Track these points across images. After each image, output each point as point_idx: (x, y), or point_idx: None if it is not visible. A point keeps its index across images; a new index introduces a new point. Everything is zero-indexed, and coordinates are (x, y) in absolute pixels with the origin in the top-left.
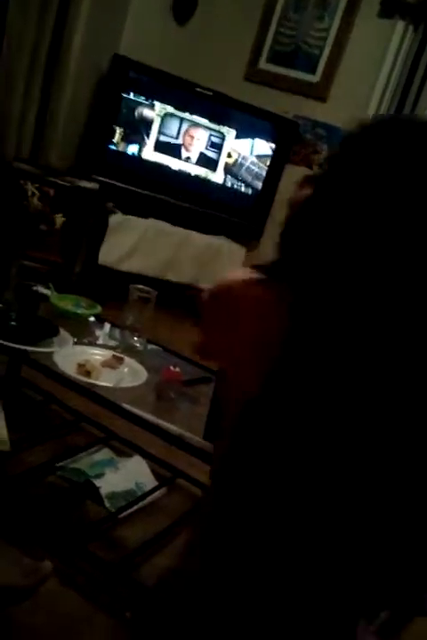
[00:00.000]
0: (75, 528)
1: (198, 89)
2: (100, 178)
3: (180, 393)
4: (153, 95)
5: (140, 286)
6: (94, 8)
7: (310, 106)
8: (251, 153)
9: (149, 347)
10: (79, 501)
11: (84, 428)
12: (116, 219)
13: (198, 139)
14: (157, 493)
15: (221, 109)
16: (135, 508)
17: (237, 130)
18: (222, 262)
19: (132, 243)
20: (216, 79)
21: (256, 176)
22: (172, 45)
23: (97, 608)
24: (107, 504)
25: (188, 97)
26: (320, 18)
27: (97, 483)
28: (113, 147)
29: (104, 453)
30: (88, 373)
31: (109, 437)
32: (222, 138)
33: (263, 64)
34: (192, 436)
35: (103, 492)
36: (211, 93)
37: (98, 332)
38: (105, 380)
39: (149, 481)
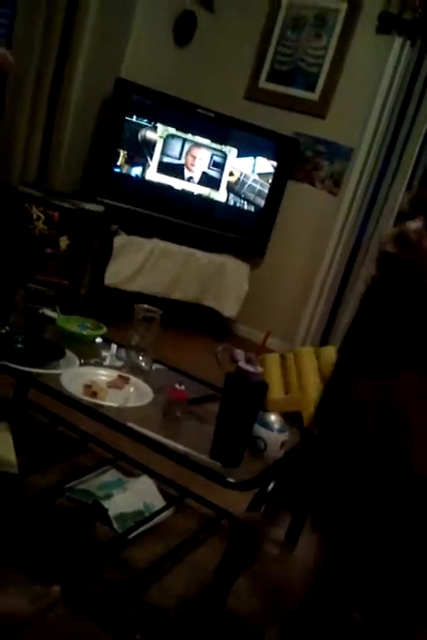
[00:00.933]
0: (84, 550)
1: (200, 110)
2: (105, 200)
3: (186, 411)
4: (155, 117)
5: (145, 306)
6: (97, 33)
7: (310, 123)
8: (253, 171)
9: (155, 366)
10: (88, 523)
11: (91, 449)
12: (120, 240)
13: (200, 159)
14: (165, 513)
15: (222, 129)
16: (144, 528)
17: (238, 148)
18: (227, 279)
19: (138, 263)
20: (217, 99)
21: (259, 194)
22: (173, 67)
23: (106, 631)
24: (115, 525)
25: (189, 118)
26: (318, 36)
27: (105, 504)
28: (117, 169)
29: (112, 474)
30: (94, 394)
31: (117, 458)
32: (224, 157)
33: (263, 83)
34: (199, 455)
35: (112, 513)
36: (212, 114)
37: (104, 353)
38: (111, 401)
39: (157, 501)
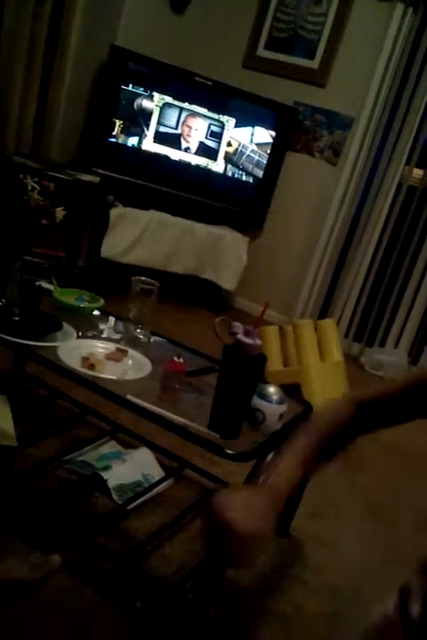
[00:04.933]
0: (83, 521)
1: (197, 78)
2: (101, 171)
3: (184, 383)
4: (152, 86)
5: (143, 278)
6: (90, 0)
7: (310, 92)
8: (251, 141)
9: (153, 338)
10: (87, 494)
11: (90, 421)
12: (117, 211)
13: (197, 128)
14: (164, 484)
15: (219, 98)
16: (143, 499)
17: (236, 118)
18: (225, 251)
19: (135, 235)
20: (214, 68)
21: (257, 164)
22: (169, 35)
23: (106, 600)
24: (115, 496)
25: (186, 86)
26: (317, 3)
27: (104, 475)
28: (113, 139)
29: (111, 446)
30: (92, 366)
31: (116, 430)
32: (222, 127)
33: (261, 51)
34: (197, 426)
35: (111, 484)
36: (210, 82)
37: (101, 326)
38: (109, 373)
39: (156, 472)
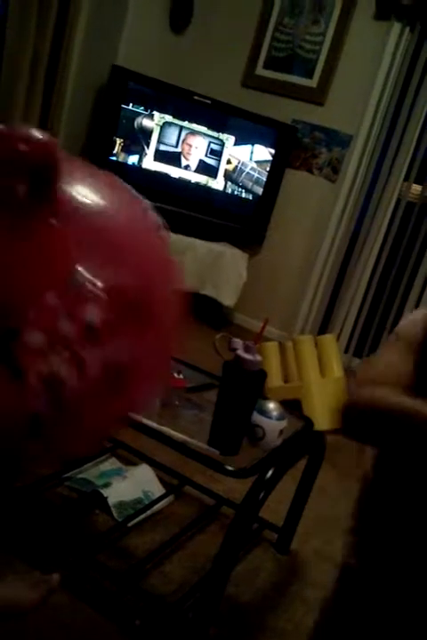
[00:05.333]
0: (83, 539)
1: (196, 97)
2: None
3: (184, 400)
4: (152, 105)
5: None
6: (92, 20)
7: (308, 110)
8: (250, 159)
9: None
10: (87, 512)
11: None
12: None
13: (197, 147)
14: (164, 501)
15: (219, 116)
16: (143, 516)
17: (236, 136)
18: (225, 268)
19: None
20: (214, 86)
21: (256, 182)
22: (169, 55)
23: (106, 618)
24: (115, 514)
25: (186, 105)
26: (316, 22)
27: (104, 492)
28: (113, 157)
29: (111, 463)
30: None
31: (116, 447)
32: (222, 145)
33: (260, 70)
34: (197, 443)
35: (111, 501)
36: (209, 101)
37: None
38: None
39: (156, 489)
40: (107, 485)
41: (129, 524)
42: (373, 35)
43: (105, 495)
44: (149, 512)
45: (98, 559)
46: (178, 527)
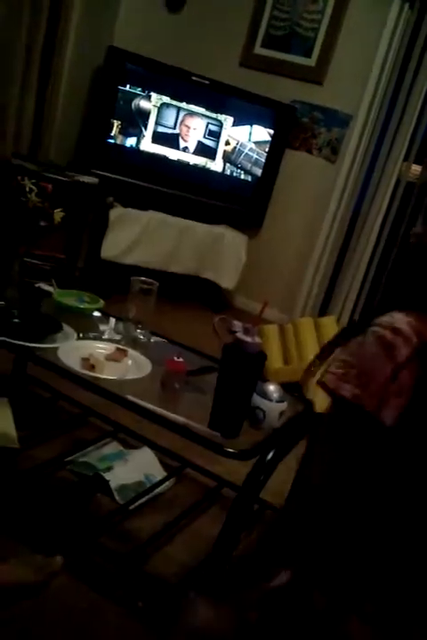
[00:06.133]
0: (85, 522)
1: (194, 77)
2: (99, 172)
3: (184, 383)
4: (149, 86)
5: (142, 278)
6: (86, 2)
7: (307, 90)
8: (249, 139)
9: (153, 338)
10: (89, 495)
11: (91, 422)
12: (116, 212)
13: (196, 128)
14: (166, 484)
15: (217, 97)
16: (145, 499)
17: (234, 117)
18: (224, 250)
19: (134, 236)
20: (212, 66)
21: (255, 163)
22: (165, 34)
23: (109, 600)
24: (117, 497)
25: (184, 86)
26: (314, 0)
27: (106, 476)
28: (111, 140)
29: (112, 446)
30: (92, 367)
31: (117, 430)
32: (220, 126)
33: (258, 49)
34: (198, 426)
35: (113, 484)
36: (207, 81)
37: (102, 327)
38: (109, 374)
39: (157, 472)
40: (109, 469)
41: (131, 507)
42: (372, 12)
43: (107, 479)
44: (150, 495)
45: (100, 542)
46: (180, 509)
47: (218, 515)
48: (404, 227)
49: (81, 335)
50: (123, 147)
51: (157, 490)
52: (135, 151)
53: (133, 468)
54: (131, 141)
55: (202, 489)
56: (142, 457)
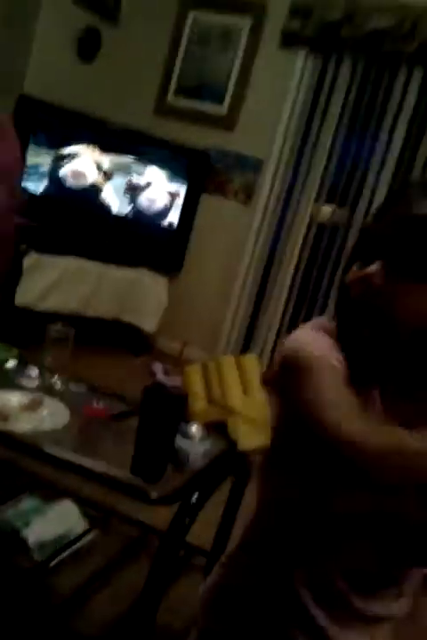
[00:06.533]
0: (3, 583)
1: (109, 125)
2: None
3: (104, 429)
4: (63, 134)
5: (58, 324)
6: None
7: (220, 136)
8: (165, 185)
9: (70, 385)
10: (7, 555)
11: (7, 475)
12: (30, 259)
13: (112, 174)
14: (89, 536)
15: (132, 144)
16: (67, 553)
17: (150, 163)
18: (144, 293)
19: (50, 281)
20: (127, 115)
21: (173, 207)
22: (79, 84)
23: None
24: (35, 554)
25: (99, 134)
26: (224, 51)
27: (24, 532)
28: (24, 185)
29: (31, 500)
30: (5, 419)
31: (35, 483)
32: (137, 172)
33: (172, 98)
34: (118, 472)
35: (31, 541)
36: (121, 129)
37: (16, 376)
38: (24, 425)
39: (79, 525)
40: (27, 525)
41: (51, 564)
42: (279, 63)
43: (24, 535)
44: (73, 548)
45: (20, 602)
46: (104, 561)
47: (145, 564)
48: (317, 266)
49: None
50: (36, 193)
51: (80, 543)
52: (49, 197)
53: (54, 522)
54: (44, 188)
55: (127, 538)
56: (63, 509)
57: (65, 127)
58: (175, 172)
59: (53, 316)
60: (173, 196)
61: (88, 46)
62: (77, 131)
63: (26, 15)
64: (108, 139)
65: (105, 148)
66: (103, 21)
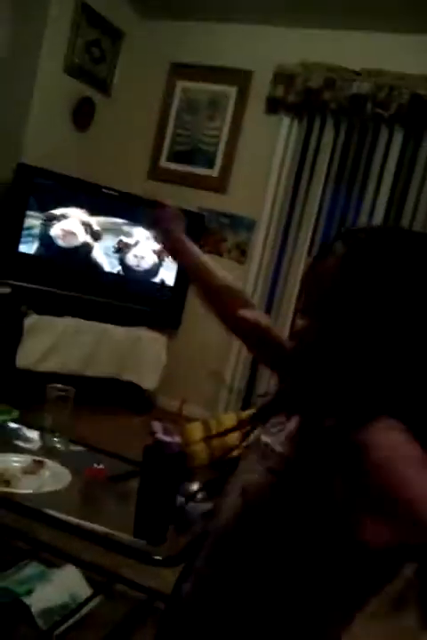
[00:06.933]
0: None
1: (104, 190)
2: (12, 281)
3: (106, 491)
4: (59, 200)
5: (58, 385)
6: None
7: (212, 198)
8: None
9: (71, 446)
10: (9, 624)
11: (9, 542)
12: (31, 320)
13: (109, 237)
14: (93, 602)
15: (127, 208)
16: (71, 621)
17: (144, 226)
18: (144, 352)
19: (50, 343)
20: (121, 180)
21: (169, 267)
22: (74, 152)
23: None
24: (39, 623)
25: (94, 198)
26: (212, 118)
27: (27, 601)
28: (23, 249)
29: (33, 567)
30: (7, 483)
31: (38, 549)
32: (132, 234)
33: (164, 163)
34: (122, 535)
35: (34, 609)
36: (116, 193)
37: (16, 438)
38: (26, 487)
39: (83, 590)
40: (29, 592)
41: (56, 632)
42: (265, 127)
43: (28, 603)
44: (77, 616)
45: None
46: (109, 629)
47: (151, 630)
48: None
49: None
50: (35, 256)
51: (84, 609)
52: (48, 260)
53: (57, 589)
54: (43, 251)
55: (131, 603)
56: (66, 576)
57: (61, 192)
58: None
59: (53, 377)
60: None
61: (83, 115)
62: (74, 195)
63: (23, 87)
64: (105, 202)
65: (101, 211)
66: (97, 92)
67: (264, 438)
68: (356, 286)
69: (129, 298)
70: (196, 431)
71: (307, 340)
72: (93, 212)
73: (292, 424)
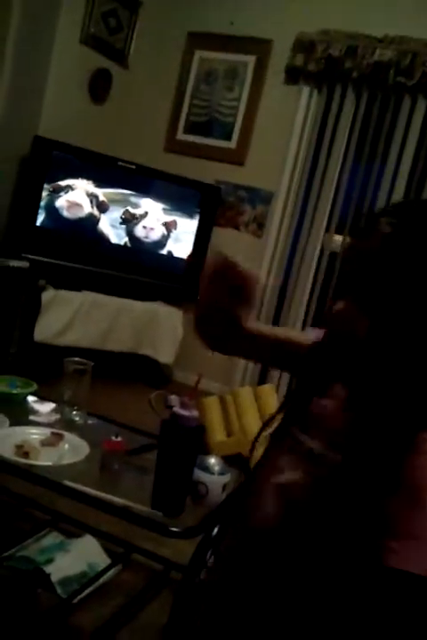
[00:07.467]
0: (27, 621)
1: (121, 163)
2: (30, 255)
3: (124, 463)
4: (76, 173)
5: (76, 359)
6: (12, 91)
7: (230, 170)
8: (178, 219)
9: (90, 419)
10: (30, 592)
11: (28, 512)
12: (48, 295)
13: (126, 211)
14: (111, 572)
15: (144, 181)
16: (90, 590)
17: (161, 199)
18: (161, 326)
19: (68, 317)
20: (138, 153)
21: (186, 241)
22: (91, 124)
23: None
24: (59, 590)
25: (111, 172)
26: (230, 88)
27: (47, 569)
28: (40, 223)
29: (52, 537)
30: (26, 454)
31: (57, 519)
32: (148, 208)
33: (181, 135)
34: (139, 507)
35: (54, 578)
36: (133, 166)
37: (35, 411)
38: (45, 459)
39: (101, 560)
40: (49, 561)
41: (75, 600)
42: (284, 98)
43: (48, 572)
44: (95, 585)
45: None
46: (127, 598)
47: (168, 599)
48: (330, 295)
49: (14, 421)
50: (53, 230)
51: (102, 579)
52: (66, 234)
53: (76, 559)
54: (61, 225)
55: (149, 574)
56: (85, 545)
57: (78, 165)
58: (187, 206)
59: (72, 351)
60: (186, 230)
61: (99, 87)
62: (91, 169)
63: (39, 59)
64: (121, 176)
65: (118, 184)
66: (113, 63)
67: (299, 435)
68: (406, 268)
69: (147, 273)
70: (212, 405)
71: (350, 329)
72: (110, 185)
73: (330, 421)
